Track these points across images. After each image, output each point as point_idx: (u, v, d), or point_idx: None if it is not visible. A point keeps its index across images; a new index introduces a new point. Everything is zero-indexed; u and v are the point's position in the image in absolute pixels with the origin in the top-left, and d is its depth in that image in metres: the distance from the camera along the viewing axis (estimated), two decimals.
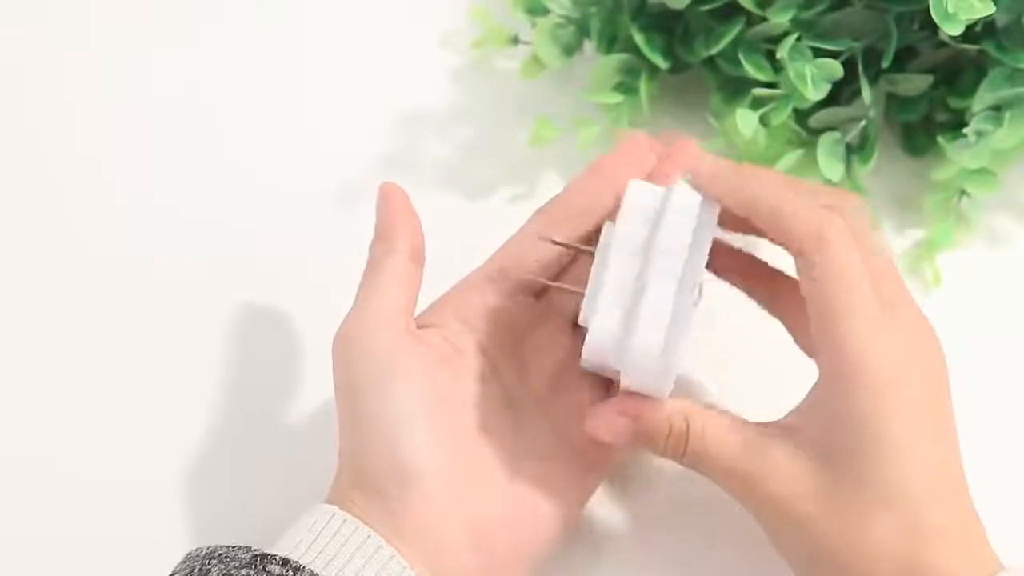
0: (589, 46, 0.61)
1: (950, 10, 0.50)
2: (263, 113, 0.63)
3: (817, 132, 0.56)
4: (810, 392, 0.44)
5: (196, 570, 0.41)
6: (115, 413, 0.53)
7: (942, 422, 0.42)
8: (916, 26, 0.56)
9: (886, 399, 0.40)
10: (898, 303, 0.42)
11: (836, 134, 0.55)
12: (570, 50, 0.60)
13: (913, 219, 0.58)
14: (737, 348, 0.51)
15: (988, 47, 0.54)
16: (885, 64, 0.54)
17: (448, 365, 0.46)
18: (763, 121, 0.55)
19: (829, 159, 0.55)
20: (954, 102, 0.56)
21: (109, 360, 0.55)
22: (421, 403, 0.44)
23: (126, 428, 0.53)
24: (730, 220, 0.45)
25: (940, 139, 0.56)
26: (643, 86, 0.58)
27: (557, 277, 0.48)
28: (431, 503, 0.43)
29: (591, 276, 0.44)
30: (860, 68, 0.55)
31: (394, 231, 0.46)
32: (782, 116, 0.55)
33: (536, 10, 0.60)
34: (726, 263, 0.48)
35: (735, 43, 0.56)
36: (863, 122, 0.56)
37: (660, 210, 0.43)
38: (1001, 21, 0.54)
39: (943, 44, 0.55)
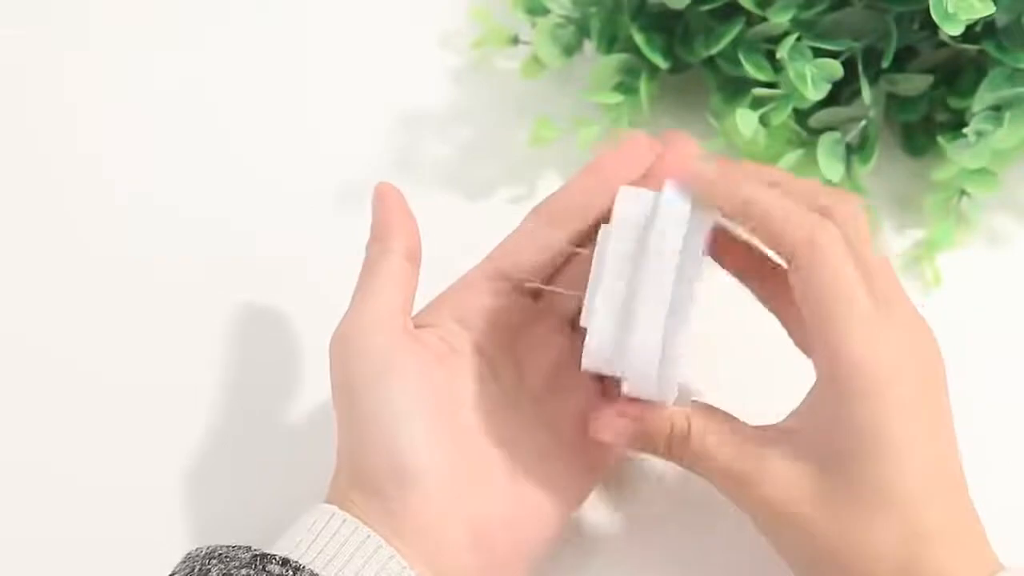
0: (589, 46, 0.61)
1: (950, 10, 0.50)
2: (263, 113, 0.63)
3: (817, 132, 0.56)
4: (808, 395, 0.44)
5: (196, 570, 0.41)
6: (115, 413, 0.53)
7: (940, 421, 0.42)
8: (916, 26, 0.56)
9: (883, 400, 0.40)
10: (893, 303, 0.42)
11: (836, 134, 0.55)
12: (570, 50, 0.60)
13: (913, 219, 0.58)
14: (737, 349, 0.51)
15: (988, 47, 0.54)
16: (885, 64, 0.54)
17: (445, 365, 0.46)
18: (763, 121, 0.55)
19: (829, 159, 0.55)
20: (954, 102, 0.56)
21: (109, 360, 0.55)
22: (420, 403, 0.44)
23: (126, 428, 0.53)
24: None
25: (940, 139, 0.56)
26: (643, 86, 0.58)
27: (554, 276, 0.48)
28: (431, 503, 0.43)
29: (589, 281, 0.44)
30: (860, 68, 0.55)
31: (390, 231, 0.46)
32: (782, 116, 0.55)
33: (536, 10, 0.60)
34: (725, 252, 0.47)
35: (735, 43, 0.56)
36: (863, 122, 0.56)
37: (651, 216, 0.43)
38: (1001, 21, 0.54)
39: (943, 44, 0.55)
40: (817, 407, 0.43)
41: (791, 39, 0.53)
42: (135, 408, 0.53)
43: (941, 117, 0.58)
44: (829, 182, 0.55)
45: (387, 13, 0.66)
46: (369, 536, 0.42)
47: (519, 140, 0.60)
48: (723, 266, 0.47)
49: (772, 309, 0.47)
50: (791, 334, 0.46)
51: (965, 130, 0.53)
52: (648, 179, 0.47)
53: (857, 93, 0.55)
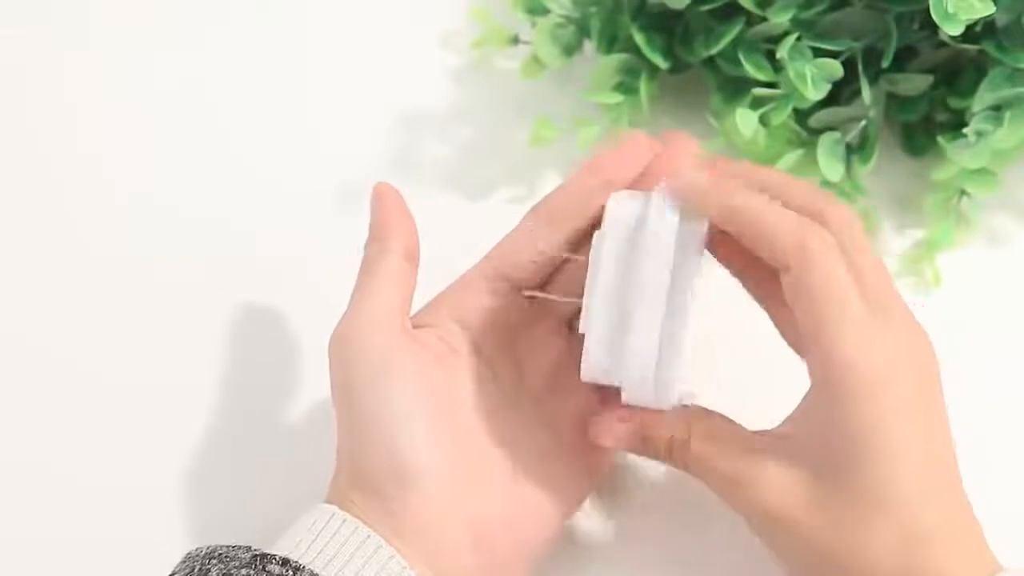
0: (589, 46, 0.61)
1: (950, 10, 0.50)
2: (263, 113, 0.63)
3: (817, 132, 0.56)
4: (803, 400, 0.44)
5: (196, 570, 0.41)
6: (115, 413, 0.53)
7: (935, 423, 0.42)
8: (916, 26, 0.56)
9: (877, 403, 0.40)
10: (887, 306, 0.42)
11: (836, 134, 0.55)
12: (570, 50, 0.60)
13: (913, 219, 0.58)
14: (737, 349, 0.51)
15: (988, 47, 0.54)
16: (885, 64, 0.54)
17: (445, 365, 0.46)
18: (763, 121, 0.55)
19: (829, 159, 0.55)
20: (954, 102, 0.56)
21: (109, 360, 0.55)
22: (419, 403, 0.44)
23: (126, 428, 0.53)
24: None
25: (940, 139, 0.56)
26: (643, 86, 0.58)
27: (553, 276, 0.48)
28: (431, 503, 0.43)
29: (586, 288, 0.44)
30: (860, 68, 0.55)
31: (388, 231, 0.46)
32: (782, 116, 0.55)
33: (536, 10, 0.60)
34: (723, 249, 0.47)
35: (735, 43, 0.56)
36: (863, 122, 0.56)
37: (644, 217, 0.43)
38: (1001, 21, 0.54)
39: (943, 44, 0.55)
40: (811, 412, 0.43)
41: (791, 39, 0.53)
42: (135, 408, 0.53)
43: (941, 117, 0.58)
44: (829, 182, 0.55)
45: (387, 13, 0.66)
46: (369, 536, 0.42)
47: (519, 140, 0.60)
48: (721, 262, 0.47)
49: (767, 309, 0.47)
50: (784, 335, 0.46)
51: (965, 130, 0.53)
52: (646, 178, 0.47)
53: (857, 93, 0.55)
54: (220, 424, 0.53)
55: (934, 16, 0.50)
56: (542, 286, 0.48)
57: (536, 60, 0.60)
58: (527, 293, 0.47)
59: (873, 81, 0.56)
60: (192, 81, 0.64)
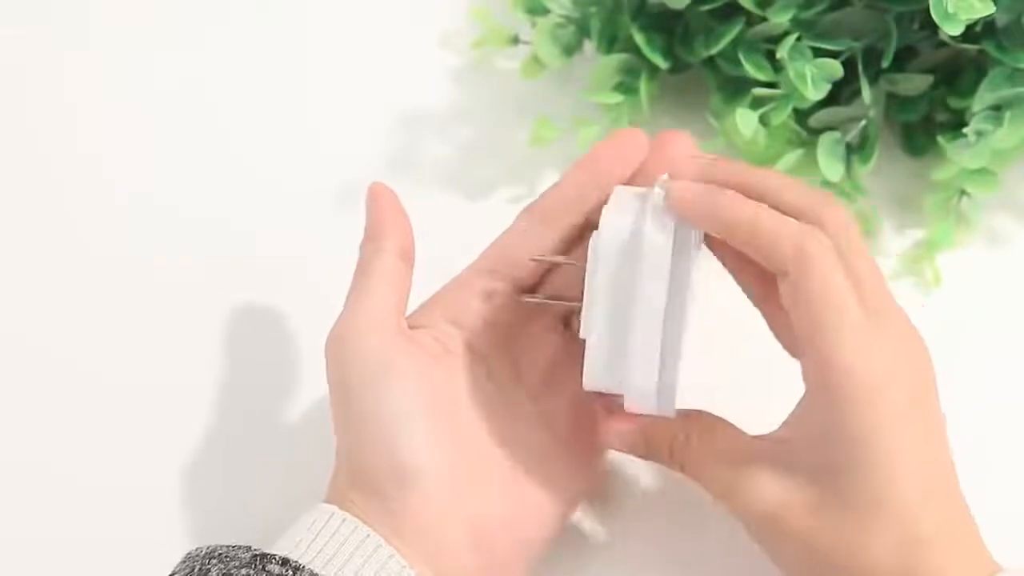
0: (589, 46, 0.61)
1: (950, 10, 0.50)
2: (263, 113, 0.63)
3: (817, 132, 0.56)
4: (798, 404, 0.44)
5: (196, 570, 0.41)
6: (115, 413, 0.53)
7: (932, 428, 0.42)
8: (916, 26, 0.56)
9: (874, 408, 0.40)
10: (884, 312, 0.42)
11: (836, 134, 0.55)
12: (570, 50, 0.60)
13: (913, 219, 0.58)
14: (737, 351, 0.51)
15: (988, 47, 0.54)
16: (885, 64, 0.54)
17: (441, 365, 0.46)
18: (763, 121, 0.55)
19: (829, 159, 0.55)
20: (954, 102, 0.56)
21: (109, 360, 0.55)
22: (418, 402, 0.44)
23: (126, 428, 0.53)
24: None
25: (940, 139, 0.56)
26: (643, 86, 0.58)
27: (548, 275, 0.48)
28: (431, 503, 0.43)
29: (584, 294, 0.44)
30: (860, 68, 0.55)
31: (383, 231, 0.46)
32: (782, 116, 0.55)
33: (536, 10, 0.60)
34: (719, 245, 0.47)
35: (735, 43, 0.56)
36: (863, 122, 0.56)
37: (641, 218, 0.43)
38: (1001, 21, 0.54)
39: (943, 44, 0.55)
40: (807, 416, 0.43)
41: (791, 39, 0.53)
42: (135, 408, 0.53)
43: (941, 117, 0.58)
44: (829, 182, 0.54)
45: (387, 13, 0.66)
46: (369, 535, 0.42)
47: (519, 140, 0.60)
48: (718, 259, 0.47)
49: (762, 310, 0.46)
50: (779, 337, 0.46)
51: (965, 130, 0.53)
52: (642, 175, 0.47)
53: (857, 93, 0.55)
54: (220, 424, 0.53)
55: (934, 16, 0.50)
56: (537, 285, 0.48)
57: (536, 60, 0.60)
58: (525, 299, 0.47)
59: (873, 81, 0.56)
60: (192, 81, 0.64)
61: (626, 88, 0.58)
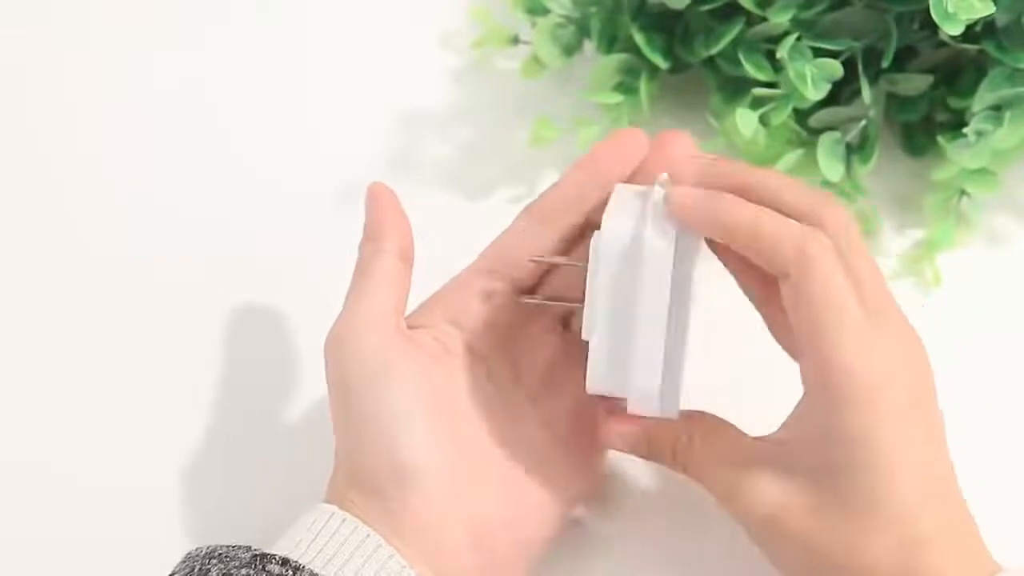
0: (589, 46, 0.61)
1: (950, 10, 0.50)
2: (263, 113, 0.63)
3: (817, 132, 0.56)
4: (797, 405, 0.44)
5: (196, 570, 0.41)
6: (115, 413, 0.53)
7: (931, 428, 0.42)
8: (916, 26, 0.56)
9: (874, 409, 0.40)
10: (883, 312, 0.42)
11: (836, 134, 0.55)
12: (570, 50, 0.60)
13: (913, 219, 0.58)
14: (738, 352, 0.51)
15: (988, 47, 0.54)
16: (885, 64, 0.54)
17: (441, 365, 0.46)
18: (763, 121, 0.55)
19: (829, 159, 0.55)
20: (954, 102, 0.56)
21: (109, 360, 0.55)
22: (418, 402, 0.44)
23: (126, 428, 0.53)
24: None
25: (940, 139, 0.56)
26: (643, 86, 0.58)
27: (547, 275, 0.48)
28: (431, 503, 0.43)
29: (586, 296, 0.44)
30: (860, 68, 0.55)
31: (383, 231, 0.46)
32: (782, 116, 0.55)
33: (536, 10, 0.60)
34: (721, 247, 0.47)
35: (735, 43, 0.56)
36: (863, 122, 0.56)
37: (642, 218, 0.43)
38: (1001, 21, 0.54)
39: (943, 44, 0.55)
40: (807, 417, 0.43)
41: (791, 39, 0.53)
42: (135, 408, 0.53)
43: (941, 117, 0.58)
44: (829, 182, 0.54)
45: (387, 13, 0.66)
46: (369, 535, 0.42)
47: (519, 140, 0.60)
48: (722, 262, 0.47)
49: (761, 311, 0.46)
50: (778, 337, 0.46)
51: (965, 130, 0.53)
52: (642, 174, 0.47)
53: (857, 93, 0.55)
54: (220, 424, 0.53)
55: (934, 16, 0.50)
56: (537, 285, 0.48)
57: (536, 60, 0.60)
58: (524, 300, 0.47)
59: (873, 81, 0.56)
60: (192, 81, 0.64)
61: (626, 88, 0.58)
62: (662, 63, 0.58)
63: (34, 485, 0.52)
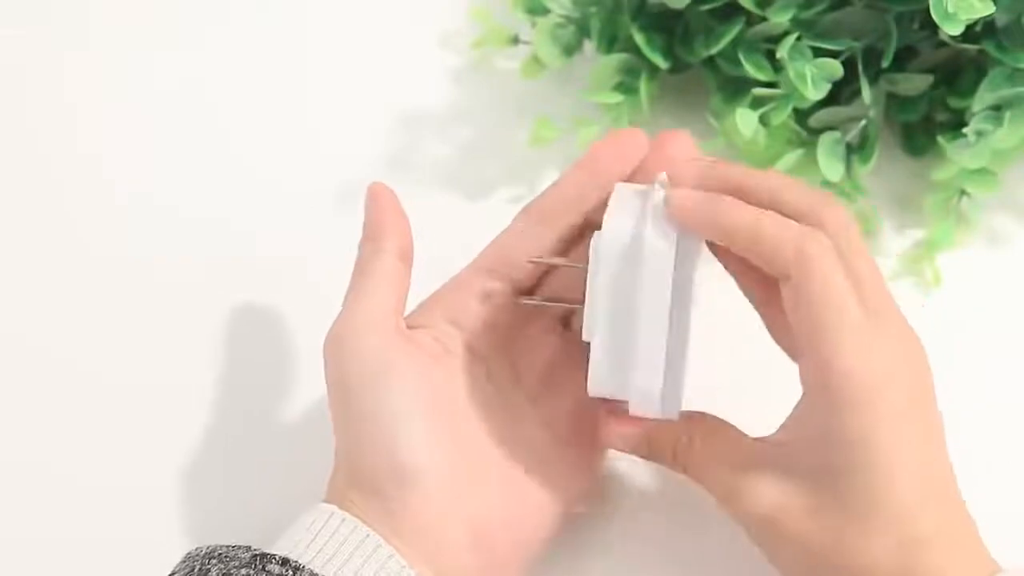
0: (589, 46, 0.61)
1: (950, 10, 0.50)
2: (263, 113, 0.63)
3: (817, 132, 0.56)
4: (796, 406, 0.44)
5: (196, 570, 0.41)
6: (115, 413, 0.53)
7: (930, 428, 0.42)
8: (916, 26, 0.56)
9: (873, 410, 0.40)
10: (883, 313, 0.42)
11: (836, 134, 0.55)
12: (570, 50, 0.60)
13: (913, 219, 0.58)
14: (738, 353, 0.51)
15: (988, 47, 0.54)
16: (885, 64, 0.54)
17: (440, 365, 0.46)
18: (763, 121, 0.55)
19: (829, 159, 0.55)
20: (954, 102, 0.56)
21: (109, 360, 0.55)
22: (418, 402, 0.44)
23: (126, 428, 0.53)
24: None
25: (940, 139, 0.56)
26: (643, 86, 0.58)
27: (546, 275, 0.48)
28: (431, 503, 0.43)
29: (587, 298, 0.44)
30: (860, 68, 0.55)
31: (382, 231, 0.46)
32: (782, 116, 0.55)
33: (536, 10, 0.60)
34: (722, 248, 0.47)
35: (735, 43, 0.56)
36: (863, 122, 0.56)
37: (643, 218, 0.43)
38: (1001, 21, 0.54)
39: (943, 44, 0.55)
40: (806, 418, 0.43)
41: (791, 39, 0.53)
42: (135, 408, 0.53)
43: (941, 117, 0.58)
44: (829, 182, 0.54)
45: (387, 13, 0.66)
46: (368, 535, 0.42)
47: (519, 140, 0.60)
48: (722, 264, 0.47)
49: (760, 311, 0.46)
50: (777, 338, 0.46)
51: (965, 130, 0.53)
52: (641, 174, 0.46)
53: (857, 93, 0.55)
54: (220, 424, 0.53)
55: (934, 16, 0.50)
56: (536, 286, 0.48)
57: (536, 60, 0.60)
58: (524, 301, 0.47)
59: (873, 81, 0.56)
60: (192, 81, 0.64)
61: (626, 88, 0.58)
62: (662, 63, 0.58)
63: (34, 485, 0.52)
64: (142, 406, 0.53)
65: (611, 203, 0.44)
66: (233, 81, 0.64)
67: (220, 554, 0.42)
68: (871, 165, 0.56)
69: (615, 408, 0.46)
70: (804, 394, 0.43)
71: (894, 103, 0.58)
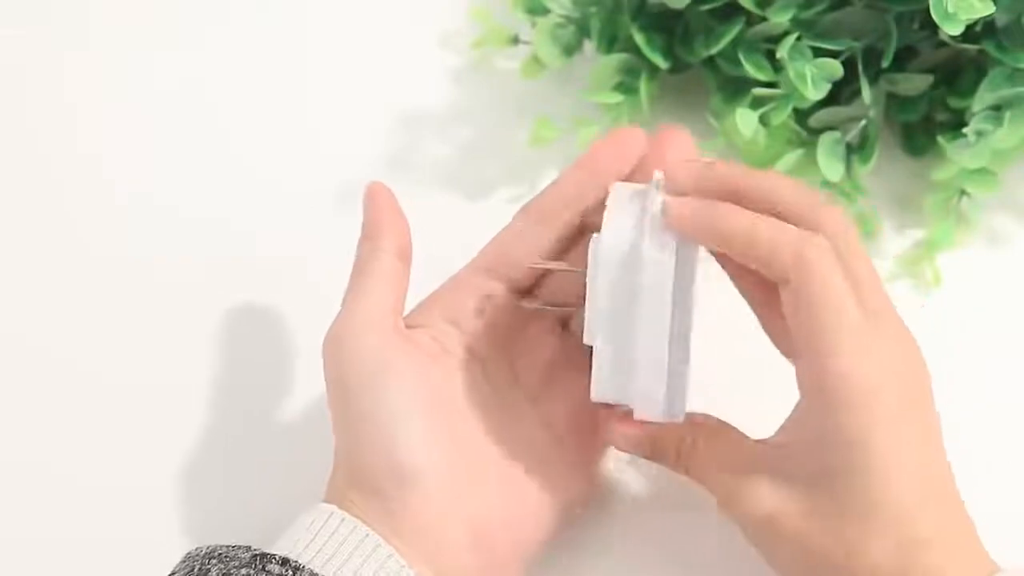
0: (589, 46, 0.61)
1: (950, 10, 0.50)
2: (263, 113, 0.63)
3: (817, 132, 0.56)
4: (795, 408, 0.44)
5: (196, 570, 0.41)
6: (115, 413, 0.53)
7: (927, 429, 0.42)
8: (916, 26, 0.56)
9: (870, 412, 0.40)
10: (881, 315, 0.42)
11: (836, 134, 0.55)
12: (570, 50, 0.60)
13: (913, 219, 0.58)
14: (738, 353, 0.51)
15: (988, 47, 0.54)
16: (885, 64, 0.54)
17: (439, 365, 0.46)
18: (763, 121, 0.55)
19: (829, 159, 0.55)
20: (954, 102, 0.56)
21: (109, 360, 0.55)
22: (416, 402, 0.44)
23: (126, 428, 0.53)
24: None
25: (940, 139, 0.56)
26: (643, 86, 0.58)
27: (545, 275, 0.48)
28: (430, 503, 0.43)
29: (587, 301, 0.44)
30: (860, 68, 0.55)
31: (380, 230, 0.46)
32: (782, 116, 0.55)
33: (536, 10, 0.60)
34: (721, 252, 0.47)
35: (735, 43, 0.56)
36: (863, 122, 0.56)
37: (642, 219, 0.43)
38: (1001, 21, 0.54)
39: (943, 44, 0.55)
40: (804, 420, 0.43)
41: (791, 39, 0.53)
42: (135, 408, 0.53)
43: (941, 117, 0.58)
44: (829, 182, 0.54)
45: (387, 13, 0.66)
46: (368, 535, 0.42)
47: (519, 140, 0.60)
48: (721, 265, 0.47)
49: (758, 313, 0.46)
50: (775, 340, 0.46)
51: (965, 130, 0.53)
52: (641, 172, 0.46)
53: (857, 93, 0.55)
54: (220, 424, 0.53)
55: (934, 16, 0.50)
56: (535, 285, 0.48)
57: (536, 60, 0.60)
58: (524, 304, 0.47)
59: (873, 81, 0.56)
60: (192, 81, 0.64)
61: (626, 88, 0.58)
62: (662, 63, 0.58)
63: (34, 485, 0.52)
64: (142, 406, 0.53)
65: (609, 205, 0.44)
66: (233, 81, 0.64)
67: (220, 554, 0.42)
68: (871, 165, 0.56)
69: (617, 408, 0.46)
70: (802, 396, 0.43)
71: (894, 103, 0.58)
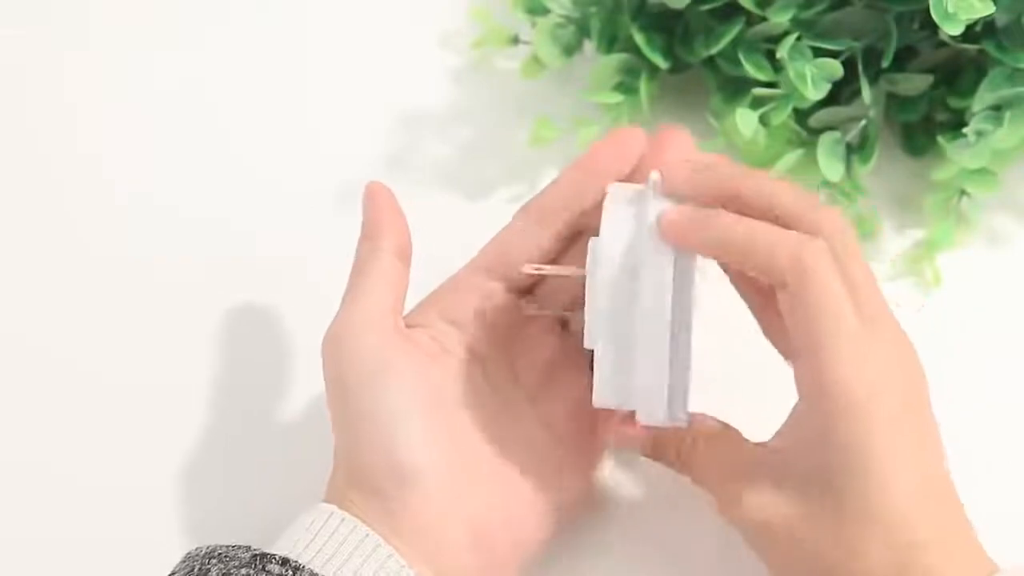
0: (589, 46, 0.61)
1: (950, 10, 0.50)
2: (263, 113, 0.63)
3: (817, 132, 0.56)
4: (792, 412, 0.44)
5: (196, 570, 0.41)
6: (115, 413, 0.53)
7: (924, 434, 0.42)
8: (916, 26, 0.56)
9: (868, 416, 0.40)
10: (878, 319, 0.42)
11: (836, 134, 0.55)
12: (570, 50, 0.60)
13: (913, 219, 0.58)
14: (738, 353, 0.51)
15: (988, 47, 0.54)
16: (885, 64, 0.54)
17: (439, 364, 0.46)
18: (763, 121, 0.55)
19: (829, 159, 0.55)
20: (954, 102, 0.56)
21: (109, 360, 0.55)
22: (416, 401, 0.44)
23: (126, 428, 0.53)
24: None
25: (940, 139, 0.56)
26: (643, 86, 0.58)
27: (544, 277, 0.48)
28: (430, 503, 0.43)
29: (587, 305, 0.44)
30: (860, 68, 0.55)
31: (380, 230, 0.46)
32: (782, 116, 0.55)
33: (536, 10, 0.60)
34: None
35: (735, 43, 0.56)
36: (863, 122, 0.56)
37: (641, 220, 0.42)
38: (1001, 21, 0.54)
39: (943, 44, 0.55)
40: (801, 423, 0.43)
41: (791, 39, 0.53)
42: (135, 408, 0.53)
43: (941, 117, 0.58)
44: (829, 182, 0.54)
45: (387, 13, 0.66)
46: (368, 535, 0.42)
47: (519, 140, 0.60)
48: (720, 267, 0.47)
49: (756, 314, 0.46)
50: (774, 342, 0.46)
51: (965, 130, 0.53)
52: (640, 173, 0.46)
53: (857, 93, 0.55)
54: (220, 424, 0.53)
55: (934, 16, 0.50)
56: (534, 285, 0.48)
57: (536, 60, 0.60)
58: (524, 307, 0.47)
59: (873, 81, 0.56)
60: (192, 81, 0.64)
61: (626, 88, 0.58)
62: (662, 63, 0.58)
63: (34, 485, 0.52)
64: (142, 406, 0.53)
65: (606, 207, 0.44)
66: (233, 81, 0.64)
67: (220, 554, 0.42)
68: (871, 165, 0.56)
69: (618, 412, 0.46)
70: (800, 399, 0.43)
71: (894, 103, 0.58)
